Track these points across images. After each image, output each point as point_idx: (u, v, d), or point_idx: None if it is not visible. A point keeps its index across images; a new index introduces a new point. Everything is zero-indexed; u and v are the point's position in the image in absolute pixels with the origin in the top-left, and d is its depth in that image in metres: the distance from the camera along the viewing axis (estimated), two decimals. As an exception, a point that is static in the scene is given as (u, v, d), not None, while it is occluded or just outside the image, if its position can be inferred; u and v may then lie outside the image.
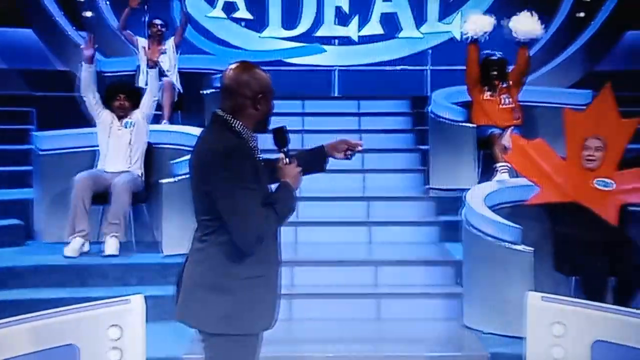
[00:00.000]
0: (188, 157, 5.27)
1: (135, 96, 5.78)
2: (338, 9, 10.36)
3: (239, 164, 2.41)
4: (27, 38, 9.10)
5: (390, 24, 10.34)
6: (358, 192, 6.65)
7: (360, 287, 5.17)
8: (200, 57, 8.62)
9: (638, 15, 9.48)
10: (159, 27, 7.36)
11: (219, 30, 10.26)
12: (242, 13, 10.28)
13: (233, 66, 2.54)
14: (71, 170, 5.53)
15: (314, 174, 2.81)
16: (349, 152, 2.82)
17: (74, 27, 9.25)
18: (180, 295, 2.57)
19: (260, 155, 2.57)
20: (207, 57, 8.70)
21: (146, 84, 6.01)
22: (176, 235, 5.12)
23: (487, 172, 6.33)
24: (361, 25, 10.35)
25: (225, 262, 2.47)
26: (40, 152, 5.93)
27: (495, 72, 6.53)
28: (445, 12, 10.33)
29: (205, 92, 7.42)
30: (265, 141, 2.63)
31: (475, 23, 6.54)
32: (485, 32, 6.51)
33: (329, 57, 10.33)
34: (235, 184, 2.40)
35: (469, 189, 5.05)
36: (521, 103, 6.65)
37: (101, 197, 5.38)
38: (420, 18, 10.35)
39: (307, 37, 10.34)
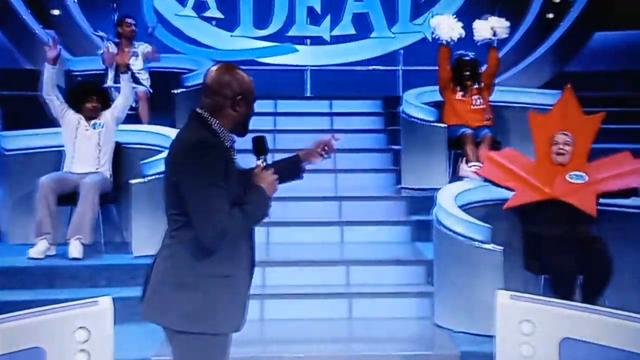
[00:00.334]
0: (158, 157, 5.30)
1: (105, 97, 5.71)
2: (310, 9, 10.35)
3: (210, 160, 2.40)
4: (-7, 36, 8.97)
5: (363, 24, 10.37)
6: (330, 192, 6.65)
7: (332, 287, 5.16)
8: (171, 56, 8.53)
9: (607, 16, 9.63)
10: (132, 26, 7.23)
11: (190, 29, 10.19)
12: (213, 12, 10.22)
13: (216, 66, 2.57)
14: (38, 170, 5.46)
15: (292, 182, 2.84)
16: (323, 152, 2.83)
17: (42, 26, 9.10)
18: (147, 292, 2.55)
19: (236, 158, 2.56)
20: (177, 57, 8.62)
21: (114, 82, 5.93)
22: (146, 235, 5.07)
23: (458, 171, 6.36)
24: (333, 25, 10.35)
25: (191, 258, 2.46)
26: (6, 152, 5.83)
27: (467, 73, 6.58)
28: (417, 12, 10.39)
29: (175, 91, 7.36)
30: (244, 142, 2.62)
31: (449, 28, 6.54)
32: (456, 37, 6.54)
33: (301, 57, 10.32)
34: (203, 178, 2.39)
35: (440, 189, 5.07)
36: (492, 103, 6.71)
37: (70, 197, 5.30)
38: (392, 18, 10.38)
39: (279, 36, 10.32)
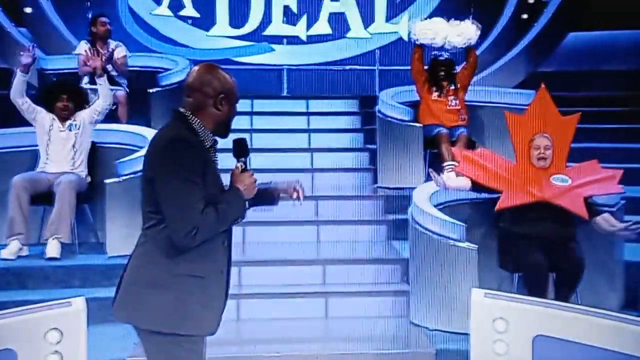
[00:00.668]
0: (133, 156, 5.26)
1: (78, 97, 5.62)
2: (286, 8, 10.33)
3: (186, 157, 2.39)
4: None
5: (339, 23, 10.36)
6: (307, 191, 6.59)
7: (309, 286, 5.16)
8: (146, 55, 8.46)
9: (581, 17, 9.73)
10: (107, 25, 7.08)
11: (165, 28, 10.10)
12: (189, 11, 10.15)
13: (198, 66, 2.57)
14: (12, 169, 5.40)
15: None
16: (296, 198, 2.92)
17: (14, 24, 8.97)
18: (119, 291, 2.53)
19: (217, 159, 2.54)
20: (153, 56, 8.56)
21: (88, 83, 5.86)
22: (120, 236, 5.04)
23: (434, 171, 6.39)
24: (310, 24, 10.34)
25: (164, 257, 2.43)
26: (-21, 152, 5.75)
27: (442, 73, 6.60)
28: (393, 12, 10.42)
29: (151, 90, 7.30)
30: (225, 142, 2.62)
31: (429, 31, 6.56)
32: (433, 39, 6.57)
33: (278, 57, 10.29)
34: (177, 174, 2.37)
35: (416, 188, 5.09)
36: (467, 103, 6.74)
37: (43, 197, 5.24)
38: (368, 18, 10.39)
39: (255, 36, 10.28)
